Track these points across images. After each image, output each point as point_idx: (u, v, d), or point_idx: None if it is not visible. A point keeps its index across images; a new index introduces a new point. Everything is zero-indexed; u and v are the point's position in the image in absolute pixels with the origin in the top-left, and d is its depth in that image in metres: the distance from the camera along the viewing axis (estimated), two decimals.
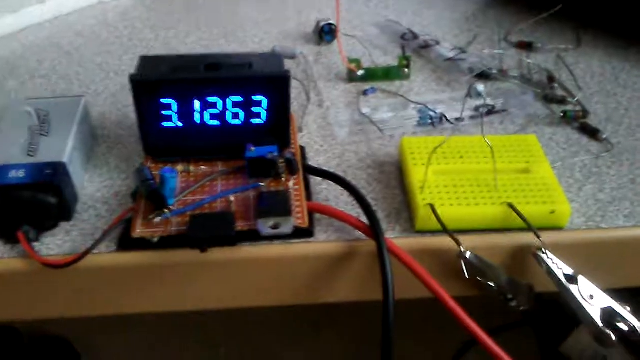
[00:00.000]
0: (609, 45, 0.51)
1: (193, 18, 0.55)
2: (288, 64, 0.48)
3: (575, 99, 0.44)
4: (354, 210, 0.36)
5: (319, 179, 0.38)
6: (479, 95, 0.32)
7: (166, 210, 0.33)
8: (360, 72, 0.46)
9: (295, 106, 0.44)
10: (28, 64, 0.49)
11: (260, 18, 0.56)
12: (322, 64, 0.49)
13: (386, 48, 0.50)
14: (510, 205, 0.34)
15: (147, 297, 0.35)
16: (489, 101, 0.43)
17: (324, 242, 0.34)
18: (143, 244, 0.33)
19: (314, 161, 0.40)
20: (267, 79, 0.35)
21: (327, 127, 0.42)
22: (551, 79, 0.45)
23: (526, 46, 0.50)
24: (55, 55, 0.50)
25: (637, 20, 0.51)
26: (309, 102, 0.45)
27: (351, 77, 0.46)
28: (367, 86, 0.46)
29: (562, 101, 0.44)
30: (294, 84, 0.46)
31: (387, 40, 0.51)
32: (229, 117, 0.36)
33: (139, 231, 0.33)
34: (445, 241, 0.34)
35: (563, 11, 0.51)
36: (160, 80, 0.34)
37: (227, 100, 0.35)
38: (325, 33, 0.50)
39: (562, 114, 0.42)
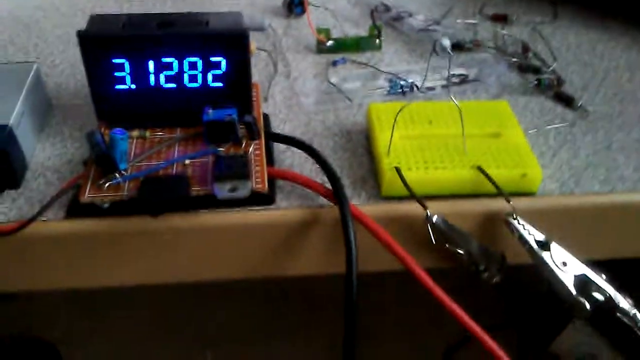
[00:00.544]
0: (586, 18, 0.50)
1: None
2: (256, 36, 0.47)
3: (551, 68, 0.42)
4: (319, 177, 0.34)
5: (282, 147, 0.36)
6: (444, 50, 0.30)
7: (117, 175, 0.31)
8: (329, 43, 0.45)
9: (262, 77, 0.43)
10: None
11: None
12: (291, 36, 0.47)
13: (358, 21, 0.49)
14: (480, 169, 0.32)
15: (98, 268, 0.33)
16: (463, 71, 0.42)
17: (285, 209, 0.33)
18: (93, 211, 0.31)
19: (278, 129, 0.38)
20: (224, 36, 0.33)
21: (294, 97, 0.41)
22: (526, 49, 0.44)
23: (501, 18, 0.48)
24: (14, 28, 0.48)
25: None
26: (275, 73, 0.43)
27: (320, 48, 0.45)
28: (336, 57, 0.44)
29: (537, 70, 0.42)
30: (262, 55, 0.45)
31: (359, 14, 0.50)
32: (186, 79, 0.34)
33: (87, 196, 0.31)
34: (413, 207, 0.32)
35: None
36: (110, 36, 0.32)
37: (184, 61, 0.33)
38: (295, 5, 0.49)
39: (536, 82, 0.41)
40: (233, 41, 0.33)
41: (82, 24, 0.33)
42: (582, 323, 0.32)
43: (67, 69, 0.43)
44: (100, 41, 0.32)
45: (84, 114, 0.39)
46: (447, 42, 0.30)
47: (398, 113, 0.33)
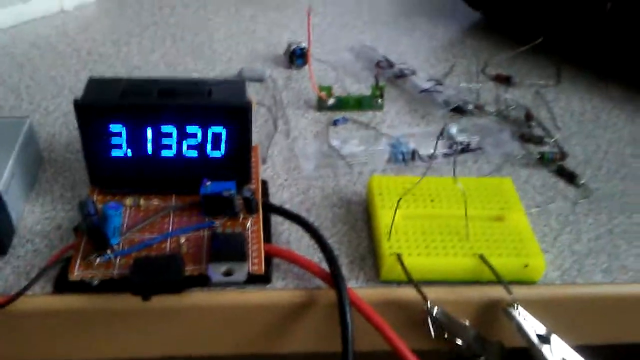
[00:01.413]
0: (590, 83, 0.49)
1: (159, 33, 0.53)
2: (256, 87, 0.46)
3: (553, 140, 0.42)
4: (317, 254, 0.33)
5: (280, 218, 0.35)
6: (451, 137, 0.29)
7: (108, 251, 0.30)
8: (331, 101, 0.44)
9: (261, 135, 0.42)
10: None
11: (230, 36, 0.53)
12: (292, 89, 0.46)
13: (359, 75, 0.48)
14: (482, 257, 0.32)
15: (84, 345, 0.32)
16: (464, 138, 0.41)
17: (281, 290, 0.32)
18: (81, 287, 0.30)
19: (277, 196, 0.37)
20: (226, 108, 0.32)
21: (293, 158, 0.40)
22: (529, 116, 0.43)
23: (504, 80, 0.48)
24: (7, 66, 0.47)
25: (619, 57, 0.49)
26: (276, 130, 0.42)
27: (321, 106, 0.44)
28: (337, 115, 0.44)
29: (539, 141, 0.42)
30: (261, 110, 0.44)
31: (361, 67, 0.49)
32: (184, 148, 0.33)
33: (76, 273, 0.30)
34: (412, 293, 0.31)
35: (543, 45, 0.49)
36: (107, 106, 0.31)
37: (183, 130, 0.32)
38: (297, 56, 0.48)
39: (539, 156, 0.40)
40: (235, 113, 0.32)
41: (78, 68, 0.32)
42: None
43: (60, 117, 0.42)
44: (97, 110, 0.31)
45: (76, 170, 0.37)
46: (454, 130, 0.29)
47: (401, 198, 0.32)
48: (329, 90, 0.44)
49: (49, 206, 0.35)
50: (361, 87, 0.46)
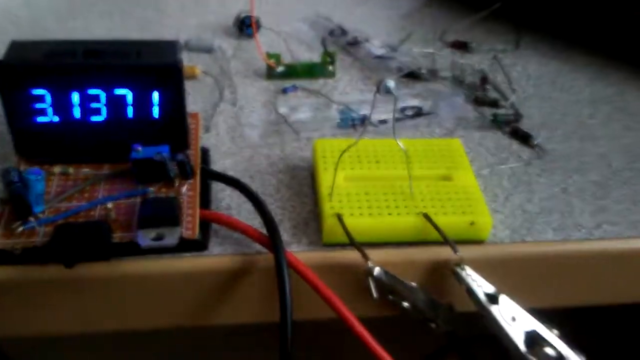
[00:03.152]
0: (549, 48, 0.48)
1: (106, 7, 0.51)
2: (204, 59, 0.45)
3: (509, 102, 0.41)
4: (258, 220, 0.32)
5: (222, 185, 0.34)
6: (388, 92, 0.28)
7: (31, 219, 0.29)
8: (280, 69, 0.42)
9: (206, 105, 0.40)
10: None
11: (180, 9, 0.51)
12: (241, 59, 0.45)
13: (312, 44, 0.47)
14: (426, 216, 0.30)
15: (9, 319, 0.30)
16: (417, 102, 0.40)
17: (217, 256, 0.30)
18: (4, 257, 0.28)
19: (219, 164, 0.36)
20: (156, 68, 0.30)
21: (239, 127, 0.38)
22: (484, 80, 0.42)
23: (461, 46, 0.47)
24: None
25: (577, 22, 0.48)
26: (221, 99, 0.41)
27: (270, 74, 0.43)
28: (287, 84, 0.42)
29: (494, 104, 0.41)
30: (207, 80, 0.42)
31: (315, 37, 0.48)
32: (114, 112, 0.31)
33: None
34: (355, 256, 0.30)
35: (502, 11, 0.48)
36: (28, 66, 0.29)
37: (111, 93, 0.31)
38: (246, 26, 0.46)
39: (492, 117, 0.39)
40: (165, 74, 0.30)
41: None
42: None
43: None
44: (18, 71, 0.29)
45: (5, 143, 0.36)
46: (391, 84, 0.28)
47: (342, 153, 0.31)
48: (277, 57, 0.42)
49: None
50: (313, 56, 0.45)
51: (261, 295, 0.31)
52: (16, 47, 0.31)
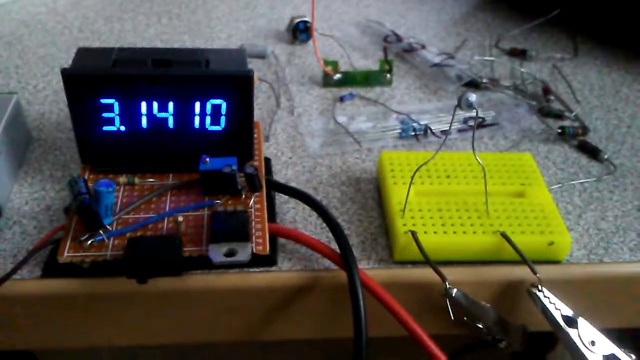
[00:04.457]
0: (609, 56, 0.47)
1: (154, 9, 0.50)
2: (257, 64, 0.44)
3: (573, 114, 0.39)
4: (324, 234, 0.31)
5: (285, 196, 0.33)
6: (470, 107, 0.27)
7: (101, 232, 0.28)
8: (337, 76, 0.42)
9: (262, 112, 0.39)
10: None
11: (229, 12, 0.51)
12: (295, 65, 0.44)
13: (366, 50, 0.46)
14: (503, 235, 0.29)
15: (75, 332, 0.30)
16: (479, 113, 0.39)
17: (287, 272, 0.29)
18: (72, 270, 0.28)
19: (280, 175, 0.35)
20: (226, 78, 0.30)
21: (298, 136, 0.38)
22: (547, 90, 0.41)
23: (519, 53, 0.45)
24: None
25: (637, 29, 0.47)
26: (278, 107, 0.40)
27: (327, 81, 0.42)
28: (344, 92, 0.41)
29: (559, 116, 0.39)
30: (263, 87, 0.42)
31: (368, 42, 0.47)
32: (181, 122, 0.31)
33: (66, 255, 0.27)
34: (428, 273, 0.29)
35: (559, 17, 0.47)
36: (98, 75, 0.29)
37: (179, 102, 0.30)
38: (300, 31, 0.45)
39: (559, 130, 0.38)
40: (236, 84, 0.30)
41: (69, 45, 0.30)
42: None
43: (50, 95, 0.40)
44: (87, 80, 0.29)
45: (67, 149, 0.35)
46: (473, 98, 0.27)
47: (419, 168, 0.30)
48: (335, 65, 0.42)
49: (38, 186, 0.33)
50: (368, 63, 0.44)
51: (326, 311, 0.30)
52: (83, 54, 0.31)
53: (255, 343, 0.53)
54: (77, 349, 0.31)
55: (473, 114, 0.36)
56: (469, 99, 0.27)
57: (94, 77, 0.29)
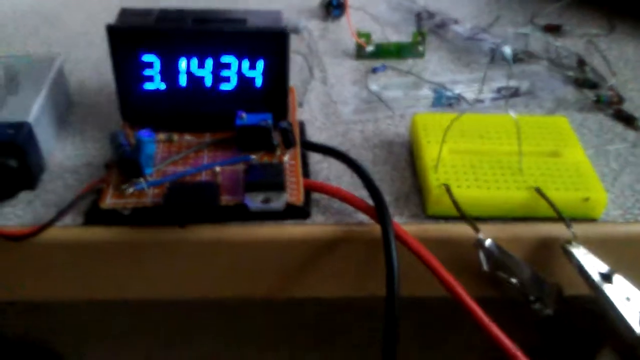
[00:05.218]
0: None
1: None
2: (291, 39, 0.44)
3: (609, 84, 0.39)
4: (357, 193, 0.31)
5: (318, 157, 0.33)
6: (504, 59, 0.27)
7: (141, 180, 0.29)
8: (369, 48, 0.42)
9: (296, 81, 0.40)
10: (5, 30, 0.45)
11: None
12: (328, 39, 0.45)
13: (398, 26, 0.46)
14: (538, 190, 0.29)
15: (117, 280, 0.31)
16: (513, 83, 0.39)
17: (320, 225, 0.30)
18: (113, 218, 0.29)
19: (314, 138, 0.35)
20: (263, 34, 0.30)
21: (331, 104, 0.38)
22: (582, 62, 0.41)
23: (554, 29, 0.45)
24: (36, 22, 0.46)
25: None
26: (311, 77, 0.40)
27: (359, 53, 0.42)
28: (376, 64, 0.42)
29: (594, 86, 0.39)
30: (296, 59, 0.42)
31: (400, 19, 0.47)
32: (219, 80, 0.32)
33: (108, 202, 0.28)
34: (461, 229, 0.29)
35: None
36: (142, 29, 0.30)
37: (218, 61, 0.31)
38: (333, 7, 0.46)
39: (595, 99, 0.37)
40: (272, 40, 0.30)
41: (109, 19, 0.31)
42: None
43: (91, 65, 0.41)
44: (130, 34, 0.30)
45: (106, 113, 0.36)
46: (508, 51, 0.27)
47: (450, 124, 0.30)
48: (368, 37, 0.42)
49: (80, 144, 0.34)
50: (401, 37, 0.44)
51: (359, 267, 0.31)
52: (126, 13, 0.32)
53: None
54: (115, 300, 0.31)
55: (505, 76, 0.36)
56: (504, 50, 0.28)
57: (137, 31, 0.30)
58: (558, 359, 0.47)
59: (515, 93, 0.38)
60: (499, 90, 0.38)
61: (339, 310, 0.42)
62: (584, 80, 0.39)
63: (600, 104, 0.37)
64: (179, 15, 0.31)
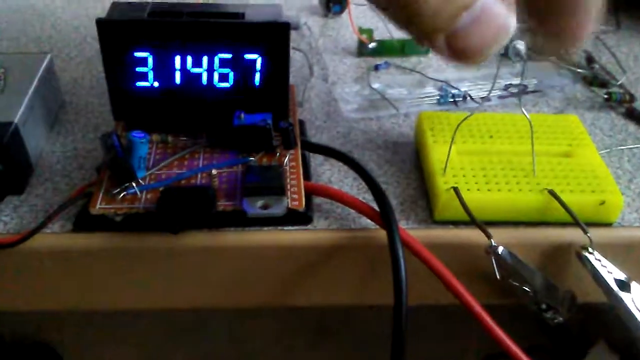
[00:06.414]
0: None
1: None
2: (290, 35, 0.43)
3: (619, 82, 0.38)
4: (361, 196, 0.30)
5: (319, 158, 0.32)
6: (517, 55, 0.26)
7: (134, 184, 0.27)
8: (371, 45, 0.40)
9: (297, 79, 0.38)
10: None
11: None
12: (329, 36, 0.43)
13: None
14: (552, 193, 0.28)
15: (108, 289, 0.29)
16: (521, 81, 0.38)
17: (323, 230, 0.28)
18: (104, 224, 0.27)
19: (315, 139, 0.34)
20: (262, 28, 0.29)
21: (332, 102, 0.37)
22: (590, 59, 0.40)
23: None
24: (28, 16, 0.44)
25: None
26: (312, 75, 0.39)
27: (361, 51, 0.41)
28: (378, 61, 0.40)
29: (603, 84, 0.38)
30: (296, 56, 0.41)
31: None
32: (215, 78, 0.30)
33: (99, 207, 0.27)
34: (471, 234, 0.28)
35: None
36: (133, 23, 0.28)
37: (214, 56, 0.29)
38: (333, 3, 0.45)
39: (606, 96, 0.36)
40: (273, 33, 0.29)
41: (102, 15, 0.29)
42: None
43: (83, 62, 0.39)
44: (121, 29, 0.28)
45: (99, 113, 0.35)
46: (521, 46, 0.26)
47: (459, 124, 0.29)
48: (370, 33, 0.41)
49: (70, 146, 0.32)
50: (403, 35, 0.43)
51: (364, 274, 0.29)
52: (117, 8, 0.30)
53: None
54: (105, 310, 0.30)
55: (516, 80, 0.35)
56: (518, 46, 0.26)
57: (128, 25, 0.28)
58: (552, 356, 0.46)
59: (523, 91, 0.37)
60: (506, 87, 0.37)
61: (339, 310, 0.40)
62: (593, 77, 0.38)
63: (611, 102, 0.36)
64: (173, 9, 0.30)
